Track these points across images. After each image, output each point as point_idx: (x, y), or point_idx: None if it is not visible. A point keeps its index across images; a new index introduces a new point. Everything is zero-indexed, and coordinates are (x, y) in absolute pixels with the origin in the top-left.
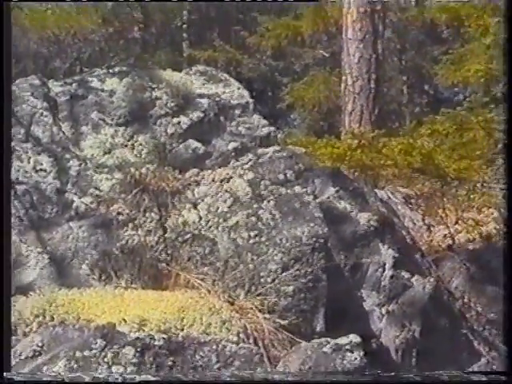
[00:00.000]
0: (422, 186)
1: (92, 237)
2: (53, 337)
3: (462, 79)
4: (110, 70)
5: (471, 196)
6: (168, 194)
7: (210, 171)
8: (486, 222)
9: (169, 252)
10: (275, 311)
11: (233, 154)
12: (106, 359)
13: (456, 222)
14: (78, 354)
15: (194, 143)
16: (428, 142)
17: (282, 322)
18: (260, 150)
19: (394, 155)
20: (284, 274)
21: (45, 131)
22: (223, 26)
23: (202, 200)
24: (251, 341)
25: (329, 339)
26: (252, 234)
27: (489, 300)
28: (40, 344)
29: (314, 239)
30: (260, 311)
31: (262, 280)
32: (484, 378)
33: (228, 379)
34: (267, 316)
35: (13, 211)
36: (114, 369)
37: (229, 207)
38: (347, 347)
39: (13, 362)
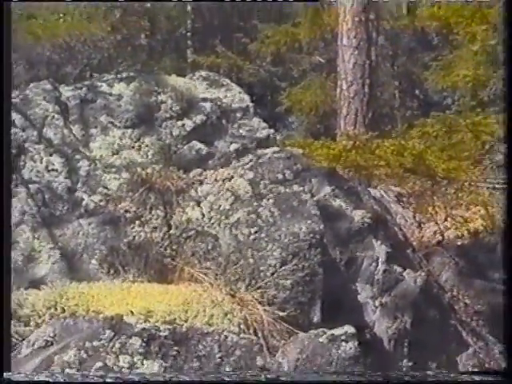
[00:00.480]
0: (413, 185)
1: (101, 233)
2: (64, 328)
3: (451, 84)
4: (118, 76)
5: (459, 194)
6: (173, 193)
7: (212, 171)
8: (474, 219)
9: (173, 247)
10: (274, 303)
11: (234, 154)
12: (114, 349)
13: (445, 219)
14: (87, 344)
15: (197, 144)
16: (419, 144)
17: (281, 314)
18: (260, 151)
19: (386, 156)
20: (282, 268)
21: (56, 133)
22: (225, 33)
23: (205, 198)
24: (251, 331)
25: (325, 330)
26: (252, 230)
27: (476, 293)
28: (52, 334)
29: (311, 235)
30: (260, 303)
31: (261, 274)
32: (484, 378)
33: (228, 379)
34: (267, 308)
35: (26, 209)
36: (121, 358)
37: (230, 205)
38: (342, 337)
39: (26, 352)
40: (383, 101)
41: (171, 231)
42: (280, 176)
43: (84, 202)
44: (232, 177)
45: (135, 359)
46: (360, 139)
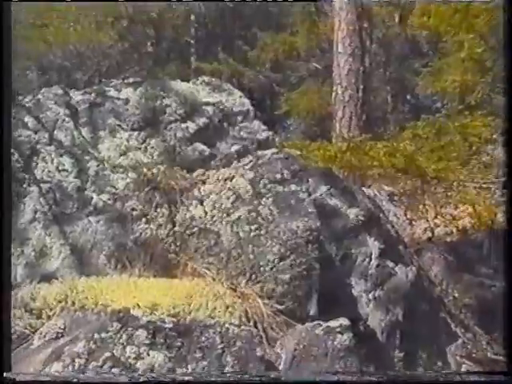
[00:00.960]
0: (404, 184)
1: (109, 230)
2: (74, 320)
3: (440, 89)
4: (126, 81)
5: (448, 193)
6: (177, 192)
7: (214, 171)
8: (462, 216)
9: (178, 244)
10: (273, 297)
11: (235, 155)
12: (121, 340)
13: (435, 217)
14: (96, 335)
15: (200, 146)
16: (410, 145)
17: (280, 307)
18: (260, 152)
19: (379, 157)
20: (281, 263)
21: (67, 135)
22: (227, 41)
23: (208, 197)
24: (251, 323)
25: (321, 322)
26: (252, 227)
27: (464, 287)
28: (62, 326)
29: (308, 232)
30: (260, 297)
31: (261, 269)
32: (484, 379)
33: (228, 379)
34: (266, 301)
35: (38, 207)
36: (128, 349)
37: (232, 203)
38: (338, 329)
39: (38, 343)
40: (376, 105)
41: (175, 228)
42: (279, 176)
43: (93, 201)
44: (233, 176)
45: (141, 350)
46: (354, 141)
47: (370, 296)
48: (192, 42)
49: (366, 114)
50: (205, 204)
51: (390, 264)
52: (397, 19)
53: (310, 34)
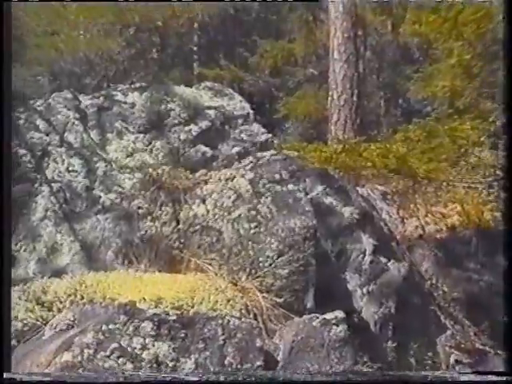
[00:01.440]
0: (396, 184)
1: (116, 227)
2: (83, 313)
3: (431, 94)
4: (132, 86)
5: (438, 193)
6: (181, 191)
7: (216, 171)
8: (451, 215)
9: (181, 241)
10: (272, 291)
11: (236, 157)
12: (128, 332)
13: (426, 215)
14: (104, 327)
15: (202, 148)
16: (402, 147)
17: (278, 300)
18: (259, 154)
19: (373, 158)
20: (279, 259)
21: (76, 137)
22: (228, 48)
23: (210, 196)
24: (251, 316)
25: (318, 315)
26: (252, 225)
27: (453, 281)
28: (72, 319)
29: (305, 230)
30: (259, 291)
31: (260, 264)
32: (484, 379)
33: (228, 379)
34: (265, 295)
35: (49, 205)
36: (134, 340)
37: (232, 202)
38: (333, 321)
39: (49, 334)
40: (370, 109)
41: (179, 226)
42: (277, 176)
43: (101, 200)
44: (234, 177)
45: (147, 341)
46: (349, 143)
47: (364, 290)
48: (195, 48)
49: (360, 118)
50: (207, 203)
51: (383, 260)
52: (389, 27)
53: (307, 42)
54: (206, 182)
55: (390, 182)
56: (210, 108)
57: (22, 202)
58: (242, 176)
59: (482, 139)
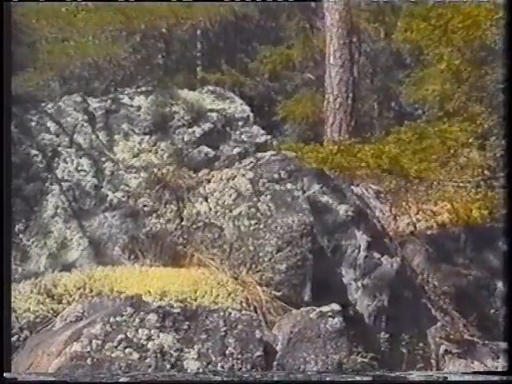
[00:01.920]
0: (389, 183)
1: (123, 224)
2: (91, 305)
3: (422, 97)
4: (138, 90)
5: (429, 191)
6: (184, 190)
7: (218, 171)
8: (441, 212)
9: (185, 237)
10: (271, 285)
11: (237, 157)
12: (134, 323)
13: (417, 213)
14: (111, 319)
15: (205, 149)
16: (394, 148)
17: (277, 294)
18: (259, 154)
19: (366, 158)
20: (278, 254)
21: (85, 139)
22: (229, 54)
23: (212, 194)
24: (252, 309)
25: (314, 307)
26: (252, 222)
27: (443, 275)
28: (81, 311)
29: (303, 226)
30: (259, 285)
31: (260, 259)
32: (484, 379)
33: (229, 379)
34: (265, 288)
35: (59, 203)
36: (140, 331)
37: (233, 200)
38: (329, 314)
39: (59, 325)
40: (364, 111)
41: (183, 223)
42: (276, 175)
43: (108, 198)
44: (235, 176)
45: (152, 332)
46: (344, 144)
47: (359, 284)
48: (198, 54)
49: (354, 120)
50: (209, 201)
51: (377, 255)
52: (382, 34)
53: (304, 48)
54: (208, 181)
55: (383, 181)
56: (212, 111)
57: (34, 200)
58: (243, 175)
59: (470, 141)
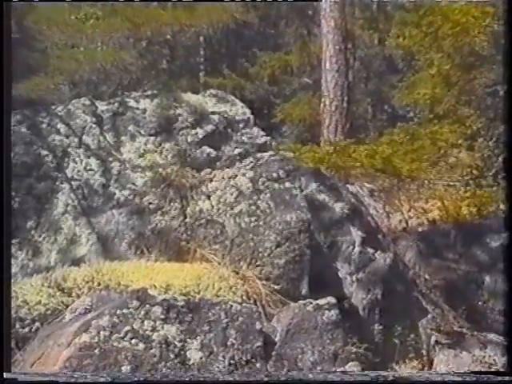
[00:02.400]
0: (382, 182)
1: (129, 221)
2: (99, 298)
3: (413, 100)
4: (144, 93)
5: (420, 190)
6: (188, 188)
7: (220, 171)
8: (432, 210)
9: (188, 233)
10: (270, 278)
11: (237, 157)
12: (140, 315)
13: (409, 210)
14: (118, 311)
15: (207, 149)
16: (387, 149)
17: (276, 287)
18: (259, 155)
19: (361, 158)
20: (277, 250)
21: (93, 140)
22: (231, 59)
23: (214, 193)
24: (252, 301)
25: (311, 300)
26: (252, 219)
27: (434, 270)
28: (89, 303)
29: (300, 223)
30: (259, 279)
31: (260, 255)
32: (484, 379)
33: (230, 379)
34: (264, 282)
35: (69, 201)
36: (145, 323)
37: (234, 198)
38: (326, 306)
39: (69, 317)
40: (358, 114)
41: (186, 220)
42: (275, 175)
43: (116, 196)
44: (236, 175)
45: (157, 324)
46: (340, 145)
47: (354, 278)
48: (201, 60)
49: (349, 122)
50: (211, 199)
51: (371, 250)
52: (376, 41)
53: (302, 53)
54: (210, 180)
55: (377, 180)
56: (214, 113)
57: (45, 198)
58: (243, 175)
59: (459, 142)
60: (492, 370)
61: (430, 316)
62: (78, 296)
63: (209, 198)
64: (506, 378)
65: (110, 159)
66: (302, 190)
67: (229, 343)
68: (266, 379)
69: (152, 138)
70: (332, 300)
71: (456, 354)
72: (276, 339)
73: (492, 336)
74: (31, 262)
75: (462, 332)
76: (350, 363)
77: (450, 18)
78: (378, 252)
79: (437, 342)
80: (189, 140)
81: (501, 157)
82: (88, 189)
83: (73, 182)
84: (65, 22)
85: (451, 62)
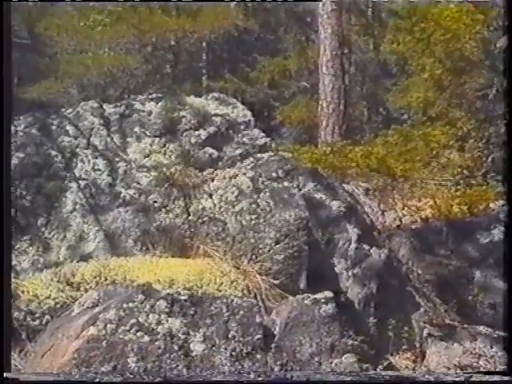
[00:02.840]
0: (377, 181)
1: (135, 219)
2: (106, 292)
3: (407, 103)
4: (149, 96)
5: (413, 189)
6: (191, 187)
7: (221, 170)
8: (425, 208)
9: (191, 230)
10: (270, 274)
11: (238, 157)
12: (145, 309)
13: (402, 208)
14: (124, 305)
15: (210, 150)
16: (382, 150)
17: (275, 282)
18: (259, 155)
19: (356, 159)
20: (276, 246)
21: (101, 141)
22: (232, 64)
23: (216, 192)
24: (252, 296)
25: (309, 294)
26: (253, 217)
27: (426, 265)
28: (97, 298)
29: (299, 221)
30: (259, 274)
31: (260, 251)
32: (484, 378)
33: (232, 379)
34: (264, 277)
35: (77, 200)
36: (150, 316)
37: (235, 197)
38: (323, 300)
39: (77, 310)
40: (354, 116)
41: (190, 217)
42: (274, 174)
43: (122, 195)
44: (237, 175)
45: (161, 317)
46: (336, 146)
47: (350, 273)
48: (204, 64)
49: (346, 124)
50: (213, 197)
51: (366, 247)
52: (371, 46)
53: (300, 58)
54: (212, 180)
55: (372, 179)
56: (216, 115)
57: (55, 196)
58: (244, 174)
59: (450, 143)
60: (481, 360)
61: (422, 309)
62: (86, 290)
63: (211, 196)
64: (506, 378)
65: (117, 159)
66: (300, 189)
67: (230, 336)
68: (267, 379)
69: (157, 139)
70: (329, 294)
71: (447, 346)
72: (275, 332)
73: (481, 328)
74: (41, 257)
75: (453, 325)
76: (346, 355)
77: (441, 25)
78: (373, 248)
79: (429, 335)
80: (192, 141)
81: (490, 157)
82: (95, 188)
83: (81, 182)
84: (74, 29)
85: (443, 66)
